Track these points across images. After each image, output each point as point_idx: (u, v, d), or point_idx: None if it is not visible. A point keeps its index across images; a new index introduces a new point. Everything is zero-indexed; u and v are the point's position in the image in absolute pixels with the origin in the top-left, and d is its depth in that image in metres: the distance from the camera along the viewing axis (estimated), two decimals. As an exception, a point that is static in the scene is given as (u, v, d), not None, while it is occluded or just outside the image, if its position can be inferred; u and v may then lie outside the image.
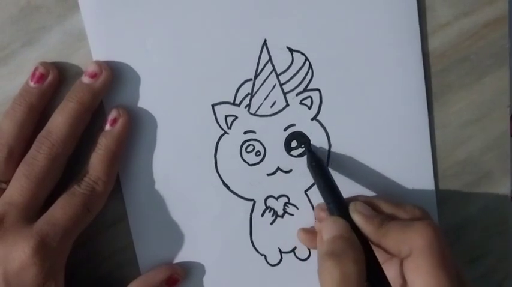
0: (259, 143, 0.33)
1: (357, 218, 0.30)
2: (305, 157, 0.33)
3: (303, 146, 0.33)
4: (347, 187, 0.33)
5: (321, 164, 0.31)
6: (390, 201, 0.31)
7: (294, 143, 0.33)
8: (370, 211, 0.30)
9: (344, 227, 0.29)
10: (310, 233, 0.33)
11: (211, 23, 0.31)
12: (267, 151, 0.33)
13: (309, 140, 0.33)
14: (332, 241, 0.28)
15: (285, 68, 0.32)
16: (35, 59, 0.31)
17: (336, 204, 0.30)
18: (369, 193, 0.34)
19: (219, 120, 0.32)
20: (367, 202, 0.31)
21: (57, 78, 0.31)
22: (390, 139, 0.33)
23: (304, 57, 0.32)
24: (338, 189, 0.31)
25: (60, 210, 0.29)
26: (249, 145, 0.33)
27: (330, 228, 0.29)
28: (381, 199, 0.31)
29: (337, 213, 0.30)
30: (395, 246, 0.28)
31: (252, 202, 0.34)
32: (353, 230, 0.29)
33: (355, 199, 0.31)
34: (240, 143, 0.33)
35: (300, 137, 0.33)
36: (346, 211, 0.30)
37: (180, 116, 0.32)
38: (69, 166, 0.31)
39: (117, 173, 0.32)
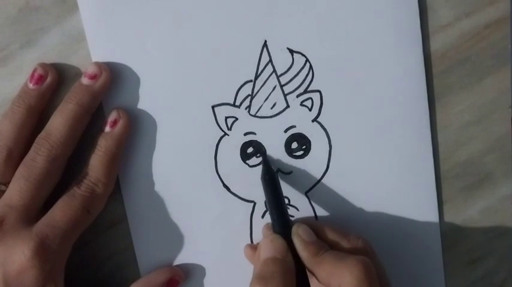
0: (259, 145, 0.33)
1: (296, 241, 0.29)
2: (306, 158, 0.33)
3: (303, 147, 0.33)
4: (347, 189, 0.34)
5: (274, 179, 0.31)
6: (335, 229, 0.31)
7: (294, 145, 0.33)
8: (310, 236, 0.30)
9: (280, 248, 0.29)
10: (255, 249, 0.32)
11: (211, 23, 0.31)
12: (267, 152, 0.33)
13: (265, 151, 0.33)
14: (265, 263, 0.28)
15: (286, 69, 0.32)
16: (34, 60, 0.31)
17: (280, 222, 0.30)
18: (369, 194, 0.34)
19: (219, 121, 0.32)
20: (312, 225, 0.30)
21: (56, 80, 0.31)
22: (391, 141, 0.33)
23: (304, 59, 0.32)
24: (286, 208, 0.31)
25: (60, 212, 0.29)
26: (249, 147, 0.33)
27: (265, 248, 0.29)
28: (326, 225, 0.31)
29: (279, 231, 0.30)
30: (326, 278, 0.28)
31: (253, 204, 0.33)
32: (295, 251, 0.29)
33: (303, 220, 0.31)
34: (240, 145, 0.33)
35: (301, 139, 0.33)
36: (290, 231, 0.30)
37: (180, 117, 0.32)
38: (69, 168, 0.31)
39: (117, 175, 0.32)
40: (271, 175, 0.31)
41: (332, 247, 0.30)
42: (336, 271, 0.28)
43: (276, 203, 0.31)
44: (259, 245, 0.30)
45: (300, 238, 0.29)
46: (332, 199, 0.34)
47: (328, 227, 0.31)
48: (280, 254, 0.29)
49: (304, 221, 0.31)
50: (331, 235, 0.30)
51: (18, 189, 0.29)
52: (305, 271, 0.29)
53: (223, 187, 0.33)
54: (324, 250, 0.29)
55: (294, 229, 0.30)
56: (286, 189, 0.33)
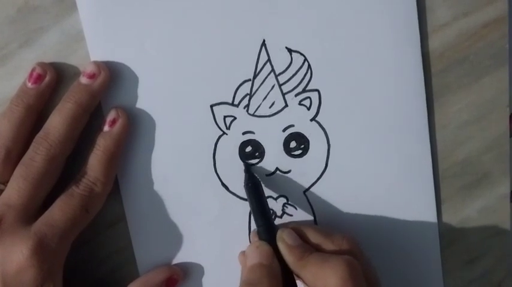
0: (258, 144, 0.33)
1: (281, 246, 0.30)
2: (304, 157, 0.33)
3: (302, 146, 0.33)
4: (346, 188, 0.34)
5: (257, 186, 0.32)
6: (320, 230, 0.31)
7: (293, 144, 0.33)
8: (295, 240, 0.30)
9: (265, 254, 0.29)
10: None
11: (210, 23, 0.31)
12: (265, 151, 0.33)
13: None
14: (251, 270, 0.29)
15: (284, 68, 0.32)
16: (33, 60, 0.31)
17: (265, 228, 0.31)
18: (368, 193, 0.34)
19: (217, 120, 0.32)
20: (296, 229, 0.31)
21: (54, 79, 0.31)
22: (389, 140, 0.33)
23: (303, 58, 0.32)
24: (270, 214, 0.31)
25: (59, 211, 0.29)
26: (247, 146, 0.33)
27: (252, 254, 0.29)
28: (311, 227, 0.31)
29: (265, 238, 0.30)
30: (312, 280, 0.28)
31: (251, 203, 0.34)
32: (280, 256, 0.29)
33: (285, 225, 0.31)
34: (239, 144, 0.33)
35: (299, 138, 0.33)
36: (275, 237, 0.30)
37: (178, 116, 0.32)
38: (67, 167, 0.31)
39: (116, 174, 0.32)
40: (254, 182, 0.32)
41: (317, 249, 0.30)
42: (320, 272, 0.28)
43: (260, 210, 0.31)
44: (246, 252, 0.30)
45: (284, 242, 0.30)
46: (330, 198, 0.34)
47: (311, 230, 0.31)
48: (266, 260, 0.29)
49: (288, 225, 0.31)
50: (314, 238, 0.30)
51: (16, 188, 0.29)
52: (292, 275, 0.29)
53: (221, 186, 0.33)
54: (309, 252, 0.29)
55: (279, 234, 0.30)
56: (285, 188, 0.33)
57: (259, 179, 0.32)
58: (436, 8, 0.32)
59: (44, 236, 0.28)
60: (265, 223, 0.31)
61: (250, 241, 0.33)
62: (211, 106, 0.32)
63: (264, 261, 0.29)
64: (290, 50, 0.32)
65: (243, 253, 0.33)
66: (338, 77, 0.32)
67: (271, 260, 0.29)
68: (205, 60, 0.32)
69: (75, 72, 0.31)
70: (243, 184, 0.32)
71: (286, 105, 0.33)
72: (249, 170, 0.32)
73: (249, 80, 0.32)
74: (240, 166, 0.33)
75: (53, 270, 0.29)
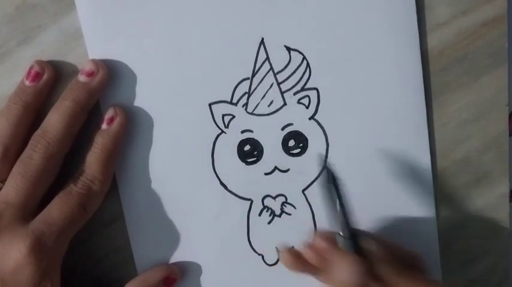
0: (256, 142, 0.33)
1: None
2: (302, 156, 0.33)
3: (300, 145, 0.33)
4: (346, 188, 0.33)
5: (339, 187, 0.28)
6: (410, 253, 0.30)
7: (291, 143, 0.33)
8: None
9: (362, 275, 0.27)
10: (297, 257, 0.29)
11: (209, 21, 0.31)
12: (264, 150, 0.33)
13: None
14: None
15: (283, 66, 0.32)
16: (31, 58, 0.31)
17: (351, 242, 0.27)
18: (366, 192, 0.34)
19: (216, 119, 0.32)
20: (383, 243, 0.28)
21: (52, 77, 0.31)
22: (389, 139, 0.33)
23: (301, 56, 0.32)
24: (353, 221, 0.28)
25: (57, 209, 0.29)
26: (246, 144, 0.33)
27: (345, 271, 0.27)
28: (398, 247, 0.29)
29: (350, 250, 0.27)
30: None
31: (250, 202, 0.33)
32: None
33: (369, 235, 0.29)
34: (237, 143, 0.33)
35: (298, 137, 0.33)
36: (358, 247, 0.28)
37: (177, 115, 0.32)
38: (65, 165, 0.31)
39: (114, 173, 0.32)
40: (336, 183, 0.28)
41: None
42: None
43: (345, 217, 0.27)
44: (332, 265, 0.28)
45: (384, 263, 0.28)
46: (329, 197, 0.34)
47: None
48: (364, 281, 0.27)
49: (371, 235, 0.29)
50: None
51: (14, 186, 0.29)
52: None
53: (220, 185, 0.33)
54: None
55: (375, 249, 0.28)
56: (283, 187, 0.33)
57: (340, 179, 0.28)
58: (435, 6, 0.32)
59: (41, 234, 0.28)
60: (350, 234, 0.27)
61: (317, 244, 0.29)
62: (210, 105, 0.32)
63: (362, 281, 0.27)
64: (289, 49, 0.32)
65: (288, 251, 0.29)
66: (337, 76, 0.32)
67: (368, 281, 0.27)
68: (204, 59, 0.32)
69: (74, 71, 0.31)
70: (321, 184, 0.29)
71: (285, 104, 0.33)
72: (329, 168, 0.28)
73: (248, 78, 0.32)
74: (239, 164, 0.33)
75: (50, 268, 0.29)
